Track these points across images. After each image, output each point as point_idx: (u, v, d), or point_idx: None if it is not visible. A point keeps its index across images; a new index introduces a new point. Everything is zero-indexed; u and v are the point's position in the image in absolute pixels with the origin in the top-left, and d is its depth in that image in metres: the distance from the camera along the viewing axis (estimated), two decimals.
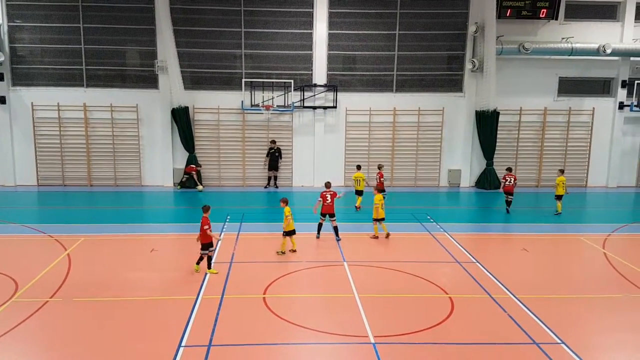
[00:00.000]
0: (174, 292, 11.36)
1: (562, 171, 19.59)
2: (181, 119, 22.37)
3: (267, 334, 9.58)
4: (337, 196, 15.40)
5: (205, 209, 12.56)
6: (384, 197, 15.82)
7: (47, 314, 10.28)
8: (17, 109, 22.19)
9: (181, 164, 22.97)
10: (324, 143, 23.46)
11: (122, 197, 21.22)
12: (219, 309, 10.57)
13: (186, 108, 22.40)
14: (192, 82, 22.84)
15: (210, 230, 12.34)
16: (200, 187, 22.05)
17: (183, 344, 9.12)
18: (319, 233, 15.53)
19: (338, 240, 15.20)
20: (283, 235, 14.03)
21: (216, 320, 10.03)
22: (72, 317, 10.23)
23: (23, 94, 22.18)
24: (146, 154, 23.05)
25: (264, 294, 11.35)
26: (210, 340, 9.27)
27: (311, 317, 10.30)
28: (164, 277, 12.32)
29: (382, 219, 15.55)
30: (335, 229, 15.42)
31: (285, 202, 14.10)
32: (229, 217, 17.60)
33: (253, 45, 22.81)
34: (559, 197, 18.95)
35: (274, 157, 23.12)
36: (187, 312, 10.36)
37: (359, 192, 19.67)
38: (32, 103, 22.18)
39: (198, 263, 12.53)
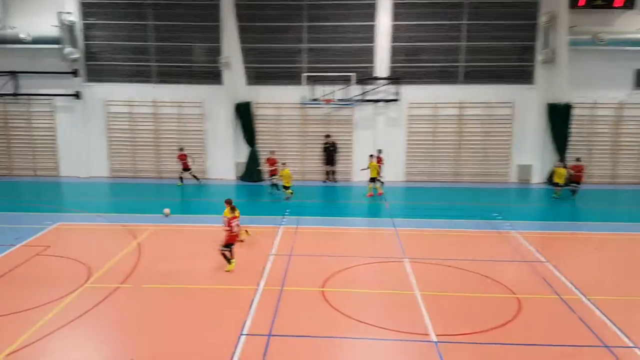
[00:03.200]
0: (235, 282, 11.66)
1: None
2: (243, 114, 22.88)
3: (326, 327, 9.65)
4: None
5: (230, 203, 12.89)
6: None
7: (118, 299, 10.84)
8: (91, 104, 23.45)
9: (243, 158, 23.48)
10: (385, 137, 23.27)
11: (187, 189, 21.98)
12: (278, 300, 10.75)
13: (248, 103, 22.88)
14: (255, 77, 23.27)
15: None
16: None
17: (244, 332, 9.36)
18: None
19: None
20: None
21: (276, 311, 10.22)
22: (140, 303, 10.73)
23: (96, 89, 23.41)
24: (210, 148, 23.75)
25: (323, 287, 11.43)
26: (271, 330, 9.46)
27: (370, 312, 10.28)
28: (226, 267, 12.67)
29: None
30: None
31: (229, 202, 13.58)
32: (288, 210, 17.84)
33: (315, 39, 22.93)
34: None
35: (330, 152, 23.25)
36: (248, 302, 10.62)
37: (373, 180, 20.47)
38: (104, 98, 23.38)
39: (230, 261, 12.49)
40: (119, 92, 23.37)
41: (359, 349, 9.07)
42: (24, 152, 23.96)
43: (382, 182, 21.15)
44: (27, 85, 23.17)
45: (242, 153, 23.55)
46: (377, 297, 11.05)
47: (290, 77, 23.15)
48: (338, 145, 23.36)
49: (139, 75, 23.42)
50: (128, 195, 21.06)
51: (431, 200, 20.33)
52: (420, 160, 23.62)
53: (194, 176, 22.40)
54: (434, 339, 9.22)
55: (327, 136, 23.28)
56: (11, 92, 23.00)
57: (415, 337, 9.30)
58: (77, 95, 23.20)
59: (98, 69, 23.42)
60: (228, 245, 12.47)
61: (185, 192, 21.51)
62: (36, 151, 23.93)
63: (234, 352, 8.66)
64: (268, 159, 20.96)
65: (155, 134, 23.64)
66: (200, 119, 23.50)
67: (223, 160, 23.69)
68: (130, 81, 23.39)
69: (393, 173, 23.30)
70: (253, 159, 23.20)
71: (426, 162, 23.61)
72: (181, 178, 22.32)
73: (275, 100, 23.27)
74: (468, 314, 10.24)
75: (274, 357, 8.60)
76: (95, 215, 17.15)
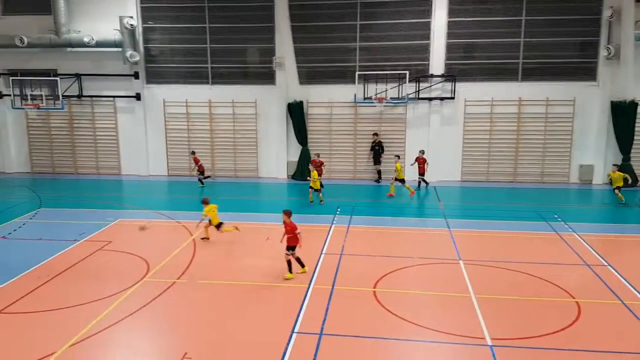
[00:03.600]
0: (287, 280, 11.79)
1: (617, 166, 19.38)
2: (296, 113, 23.11)
3: (377, 327, 9.61)
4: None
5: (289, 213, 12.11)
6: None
7: (174, 294, 11.20)
8: (150, 104, 24.32)
9: (294, 157, 23.72)
10: (440, 135, 22.91)
11: (241, 187, 22.43)
12: (329, 299, 10.79)
13: (301, 102, 23.09)
14: (307, 76, 23.45)
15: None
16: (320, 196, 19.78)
17: (296, 330, 9.46)
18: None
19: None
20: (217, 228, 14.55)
21: (327, 310, 10.26)
22: (195, 298, 11.04)
23: (155, 90, 24.26)
24: (262, 147, 24.13)
25: (374, 287, 11.39)
26: (322, 329, 9.51)
27: (423, 314, 10.15)
28: (278, 265, 12.83)
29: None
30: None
31: (205, 202, 14.56)
32: (339, 209, 17.88)
33: (368, 37, 22.87)
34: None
35: (376, 151, 23.14)
36: (300, 300, 10.72)
37: (402, 180, 20.26)
38: (163, 99, 24.19)
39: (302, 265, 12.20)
40: (176, 93, 24.12)
41: (411, 350, 8.98)
42: (88, 151, 25.12)
43: (427, 183, 21.18)
44: (91, 87, 24.29)
45: (294, 152, 23.80)
46: (430, 299, 10.90)
47: (342, 76, 23.18)
48: (386, 145, 23.19)
49: (195, 77, 24.09)
50: (184, 193, 21.69)
51: (488, 201, 19.85)
52: (477, 160, 23.11)
53: (200, 179, 22.33)
54: (489, 342, 9.01)
55: (375, 134, 23.17)
56: (76, 93, 24.16)
57: (469, 340, 9.11)
58: (137, 97, 24.12)
59: (157, 71, 24.25)
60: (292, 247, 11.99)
61: (237, 190, 21.93)
62: (99, 150, 25.05)
63: (285, 350, 8.77)
64: (313, 161, 20.90)
65: (211, 134, 24.24)
66: (253, 118, 23.92)
67: (275, 159, 24.02)
68: (187, 82, 24.10)
69: (447, 173, 22.93)
70: (304, 158, 23.40)
71: (483, 161, 23.07)
72: (200, 180, 22.32)
73: (328, 99, 23.37)
74: (525, 318, 9.94)
75: (325, 356, 8.64)
76: (153, 212, 17.77)
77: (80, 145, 25.15)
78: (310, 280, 11.74)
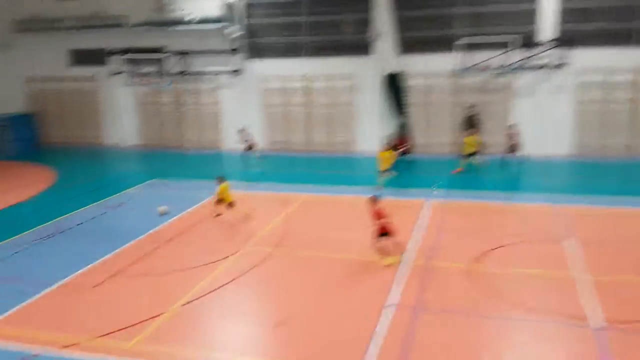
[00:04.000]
0: (382, 254, 11.77)
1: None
2: (393, 84, 22.71)
3: (473, 305, 9.36)
4: None
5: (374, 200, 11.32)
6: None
7: (271, 263, 11.63)
8: (249, 80, 25.03)
9: (391, 130, 23.42)
10: (549, 106, 21.48)
11: (336, 162, 22.59)
12: (424, 275, 10.65)
13: (398, 74, 22.63)
14: (405, 46, 22.87)
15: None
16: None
17: (389, 304, 9.46)
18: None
19: None
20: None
21: (421, 286, 10.14)
22: (291, 267, 11.40)
23: (254, 66, 24.89)
24: (358, 120, 24.05)
25: (473, 264, 11.06)
26: (415, 305, 9.43)
27: (526, 294, 9.72)
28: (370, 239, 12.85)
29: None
30: None
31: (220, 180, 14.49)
32: (437, 184, 17.47)
33: (471, 2, 21.77)
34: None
35: (470, 123, 22.21)
36: (393, 275, 10.68)
37: (470, 155, 19.11)
38: (261, 74, 24.78)
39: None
40: (274, 67, 24.58)
41: (507, 330, 8.66)
42: (191, 126, 26.46)
43: (524, 155, 19.55)
44: (195, 64, 25.39)
45: (391, 125, 23.49)
46: (533, 279, 10.40)
47: (442, 45, 22.32)
48: (480, 116, 22.19)
49: (292, 50, 24.38)
50: (281, 166, 22.21)
51: (601, 175, 18.44)
52: (590, 132, 21.43)
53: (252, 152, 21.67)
54: (597, 325, 8.45)
55: (471, 106, 22.24)
56: (181, 70, 25.41)
57: (574, 321, 8.61)
58: (237, 72, 24.92)
59: (256, 46, 24.83)
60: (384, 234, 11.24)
61: (333, 165, 22.10)
62: (201, 125, 26.30)
63: (377, 323, 8.81)
64: (398, 140, 20.11)
65: (307, 108, 24.54)
66: (349, 91, 23.84)
67: (371, 132, 23.86)
68: (285, 56, 24.45)
69: (555, 145, 21.51)
70: (402, 131, 23.03)
71: (596, 133, 21.36)
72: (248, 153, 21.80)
73: (427, 69, 22.69)
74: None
75: (418, 331, 8.58)
76: (253, 184, 18.44)
77: (185, 121, 26.52)
78: (405, 256, 11.64)
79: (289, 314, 9.26)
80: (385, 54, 22.52)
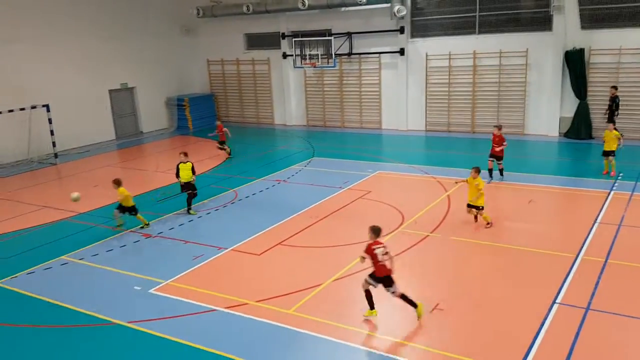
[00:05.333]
0: (551, 247, 11.01)
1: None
2: (574, 62, 20.77)
3: None
4: None
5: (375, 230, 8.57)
6: None
7: (426, 247, 11.55)
8: (413, 59, 24.78)
9: (569, 112, 21.51)
10: None
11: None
12: (600, 272, 9.75)
13: (581, 50, 20.61)
14: (591, 20, 20.71)
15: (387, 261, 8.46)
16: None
17: (558, 300, 8.85)
18: None
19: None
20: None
21: (597, 284, 9.31)
22: (448, 253, 11.20)
23: (419, 44, 24.56)
24: (531, 100, 22.48)
25: None
26: (589, 303, 8.69)
27: None
28: (541, 230, 12.05)
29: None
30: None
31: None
32: (621, 174, 15.73)
33: None
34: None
35: (611, 109, 19.40)
36: (565, 269, 9.94)
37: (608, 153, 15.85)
38: (426, 53, 24.37)
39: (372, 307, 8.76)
40: (439, 45, 24.00)
41: None
42: (353, 106, 27.08)
43: None
44: (360, 44, 25.85)
45: (569, 107, 21.58)
46: None
47: (636, 18, 19.80)
48: (621, 101, 19.59)
49: (460, 27, 23.53)
50: (441, 148, 21.79)
51: None
52: None
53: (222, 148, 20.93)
54: None
55: (614, 87, 19.47)
56: (346, 51, 26.06)
57: None
58: (401, 52, 24.82)
59: (422, 24, 24.44)
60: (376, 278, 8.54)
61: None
62: (363, 106, 26.77)
63: (544, 319, 8.30)
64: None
65: (473, 87, 23.60)
66: (522, 69, 22.36)
67: (546, 114, 22.18)
68: (452, 34, 23.71)
69: None
70: (582, 113, 21.05)
71: None
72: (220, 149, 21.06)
73: (615, 45, 20.32)
74: None
75: (589, 332, 7.91)
76: (409, 166, 18.38)
77: (347, 101, 27.23)
78: (580, 251, 10.74)
79: (448, 302, 9.14)
80: (567, 28, 20.64)
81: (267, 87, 29.22)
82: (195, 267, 11.05)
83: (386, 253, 8.38)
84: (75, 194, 13.47)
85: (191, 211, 14.46)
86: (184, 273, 10.77)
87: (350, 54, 26.11)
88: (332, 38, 25.16)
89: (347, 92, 27.16)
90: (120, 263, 11.41)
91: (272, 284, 10.12)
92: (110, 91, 26.21)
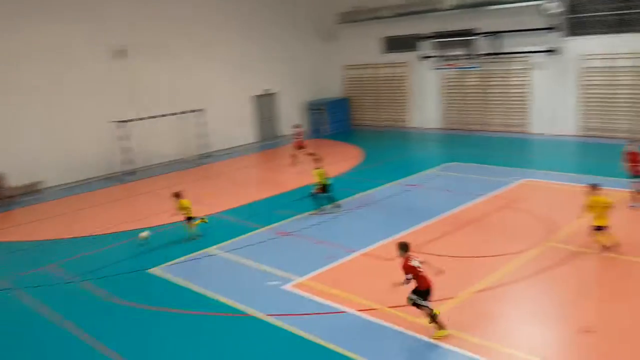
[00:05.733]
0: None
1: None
2: None
3: None
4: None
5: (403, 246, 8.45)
6: None
7: (577, 263, 10.57)
8: (566, 58, 22.89)
9: None
10: None
11: None
12: None
13: None
14: None
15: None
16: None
17: None
18: None
19: None
20: None
21: None
22: (602, 271, 10.20)
23: (573, 43, 22.65)
24: None
25: None
26: None
27: None
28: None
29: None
30: None
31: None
32: None
33: None
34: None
35: None
36: None
37: None
38: (580, 52, 22.42)
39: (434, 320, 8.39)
40: (597, 44, 21.95)
41: None
42: (497, 108, 25.76)
43: None
44: (508, 44, 24.49)
45: None
46: None
47: None
48: None
49: (623, 25, 21.30)
50: (595, 155, 19.87)
51: None
52: None
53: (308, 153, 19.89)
54: None
55: None
56: (492, 51, 24.87)
57: None
58: (553, 51, 23.11)
59: (578, 21, 22.53)
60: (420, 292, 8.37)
61: None
62: (508, 108, 25.36)
63: None
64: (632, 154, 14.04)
65: (636, 89, 21.23)
66: None
67: None
68: (613, 32, 21.55)
69: None
70: None
71: None
72: (294, 157, 20.98)
73: None
74: None
75: None
76: (560, 174, 17.01)
77: (490, 103, 26.00)
78: None
79: (596, 322, 8.27)
80: None
81: (404, 90, 28.95)
82: (328, 267, 11.22)
83: (422, 262, 8.29)
84: (144, 234, 13.45)
85: (332, 207, 14.91)
86: (317, 272, 10.99)
87: (495, 53, 24.90)
88: (475, 38, 24.20)
89: (490, 94, 25.96)
90: (259, 258, 11.96)
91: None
92: (255, 97, 27.78)
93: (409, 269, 8.14)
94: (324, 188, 14.93)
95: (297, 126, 22.07)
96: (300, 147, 21.35)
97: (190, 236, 13.58)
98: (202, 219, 13.92)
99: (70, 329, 9.49)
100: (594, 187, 10.99)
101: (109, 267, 12.16)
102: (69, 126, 20.74)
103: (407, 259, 8.19)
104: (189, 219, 13.60)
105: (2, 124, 19.18)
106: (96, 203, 17.93)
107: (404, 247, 8.29)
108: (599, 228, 10.79)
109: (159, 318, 9.73)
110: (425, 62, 27.16)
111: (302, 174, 19.13)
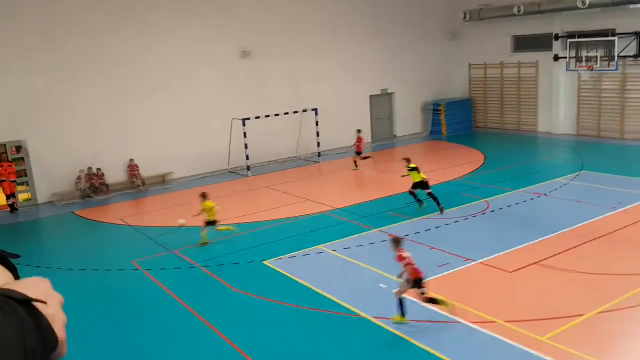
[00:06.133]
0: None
1: None
2: None
3: None
4: None
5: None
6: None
7: None
8: None
9: None
10: None
11: None
12: None
13: None
14: None
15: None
16: None
17: None
18: None
19: None
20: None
21: None
22: None
23: None
24: None
25: None
26: None
27: None
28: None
29: None
30: None
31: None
32: None
33: None
34: None
35: None
36: None
37: None
38: None
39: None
40: None
41: None
42: (638, 115, 23.49)
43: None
44: None
45: None
46: None
47: None
48: None
49: None
50: None
51: None
52: None
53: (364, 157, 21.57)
54: None
55: None
56: (633, 53, 22.74)
57: None
58: None
59: None
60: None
61: None
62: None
63: None
64: None
65: None
66: None
67: None
68: None
69: None
70: None
71: None
72: (355, 162, 21.45)
73: None
74: None
75: None
76: None
77: (629, 109, 23.77)
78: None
79: None
80: None
81: (533, 92, 27.36)
82: (440, 275, 10.88)
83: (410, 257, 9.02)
84: (182, 220, 13.73)
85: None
86: (429, 279, 10.70)
87: (636, 56, 22.73)
88: (615, 39, 22.25)
89: (629, 99, 23.76)
90: (369, 259, 11.93)
91: (523, 305, 9.36)
92: (371, 97, 27.76)
93: (402, 259, 8.98)
94: (421, 185, 14.96)
95: (359, 131, 22.03)
96: (358, 152, 21.69)
97: (203, 241, 13.43)
98: (230, 227, 13.86)
99: (188, 309, 10.14)
100: None
101: (228, 256, 12.81)
102: (197, 123, 22.15)
103: (400, 253, 9.04)
104: (211, 222, 13.46)
105: (139, 120, 20.96)
106: (218, 195, 19.00)
107: (397, 242, 9.21)
108: None
109: (268, 308, 10.05)
110: (558, 63, 25.51)
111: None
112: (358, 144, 21.68)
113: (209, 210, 13.47)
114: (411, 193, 15.19)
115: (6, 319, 0.87)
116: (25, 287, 0.96)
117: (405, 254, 8.98)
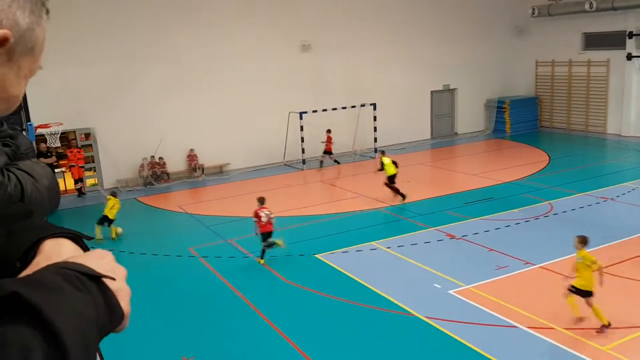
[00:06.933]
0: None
1: None
2: None
3: None
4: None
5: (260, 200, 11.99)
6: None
7: None
8: None
9: None
10: None
11: None
12: None
13: None
14: None
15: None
16: None
17: None
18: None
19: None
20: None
21: None
22: None
23: None
24: None
25: None
26: None
27: None
28: None
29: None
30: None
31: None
32: None
33: None
34: None
35: None
36: None
37: None
38: None
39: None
40: None
41: None
42: None
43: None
44: None
45: None
46: None
47: None
48: None
49: None
50: None
51: None
52: None
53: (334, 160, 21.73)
54: None
55: None
56: None
57: None
58: None
59: None
60: None
61: None
62: None
63: None
64: None
65: None
66: None
67: None
68: None
69: None
70: None
71: None
72: (321, 162, 21.94)
73: None
74: None
75: None
76: None
77: None
78: None
79: None
80: None
81: (603, 92, 26.16)
82: (498, 277, 10.65)
83: (271, 215, 11.64)
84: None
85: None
86: (486, 281, 10.50)
87: None
88: None
89: None
90: (423, 258, 11.80)
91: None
92: (432, 92, 27.32)
93: (255, 215, 11.62)
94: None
95: (328, 131, 22.04)
96: (327, 151, 21.93)
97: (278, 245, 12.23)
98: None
99: (240, 296, 10.40)
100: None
101: (280, 248, 12.98)
102: (254, 115, 22.49)
103: (258, 210, 11.58)
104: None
105: (199, 111, 21.51)
106: (273, 187, 19.24)
107: (260, 201, 11.83)
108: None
109: (318, 302, 10.14)
110: (631, 62, 24.29)
111: (479, 176, 18.45)
112: (328, 143, 21.78)
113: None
114: (387, 185, 15.87)
115: (83, 297, 0.87)
116: (90, 259, 0.96)
117: (261, 213, 11.51)
